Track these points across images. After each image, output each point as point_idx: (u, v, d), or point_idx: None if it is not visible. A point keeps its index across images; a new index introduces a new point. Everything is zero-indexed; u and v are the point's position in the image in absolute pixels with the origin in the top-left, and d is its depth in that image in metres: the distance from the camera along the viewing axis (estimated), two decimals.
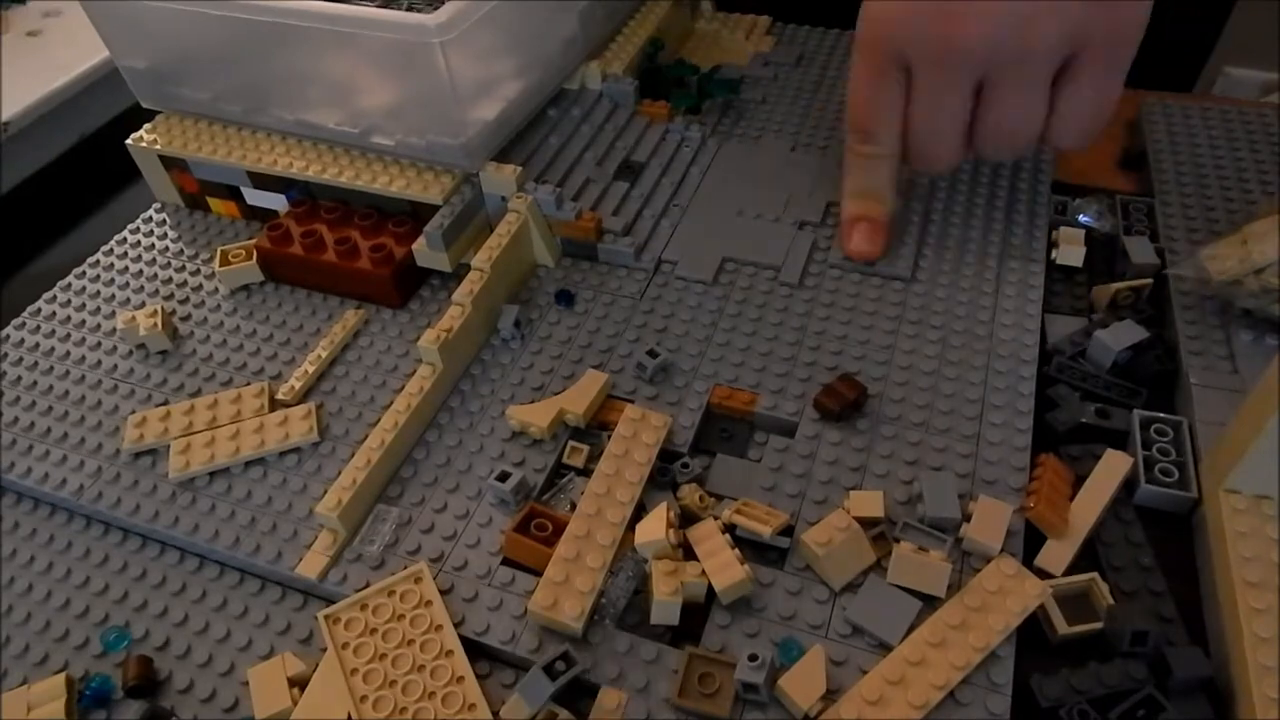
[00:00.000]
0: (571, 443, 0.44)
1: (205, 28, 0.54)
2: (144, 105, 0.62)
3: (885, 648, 0.36)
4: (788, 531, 0.40)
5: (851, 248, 0.53)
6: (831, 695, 0.35)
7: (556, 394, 0.46)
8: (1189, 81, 0.81)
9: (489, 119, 0.54)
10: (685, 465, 0.43)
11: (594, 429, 0.45)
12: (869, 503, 0.40)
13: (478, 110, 0.53)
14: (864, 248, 0.52)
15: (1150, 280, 0.51)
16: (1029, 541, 0.40)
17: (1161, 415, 0.44)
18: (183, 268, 0.57)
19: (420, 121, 0.53)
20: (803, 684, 0.35)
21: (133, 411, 0.48)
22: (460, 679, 0.36)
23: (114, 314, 0.55)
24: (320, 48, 0.51)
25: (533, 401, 0.47)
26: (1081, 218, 0.55)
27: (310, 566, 0.41)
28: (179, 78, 0.59)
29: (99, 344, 0.53)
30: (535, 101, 0.59)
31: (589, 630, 0.38)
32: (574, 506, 0.42)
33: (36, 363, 0.52)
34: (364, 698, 0.36)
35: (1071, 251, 0.53)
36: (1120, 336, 0.47)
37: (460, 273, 0.51)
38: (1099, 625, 0.37)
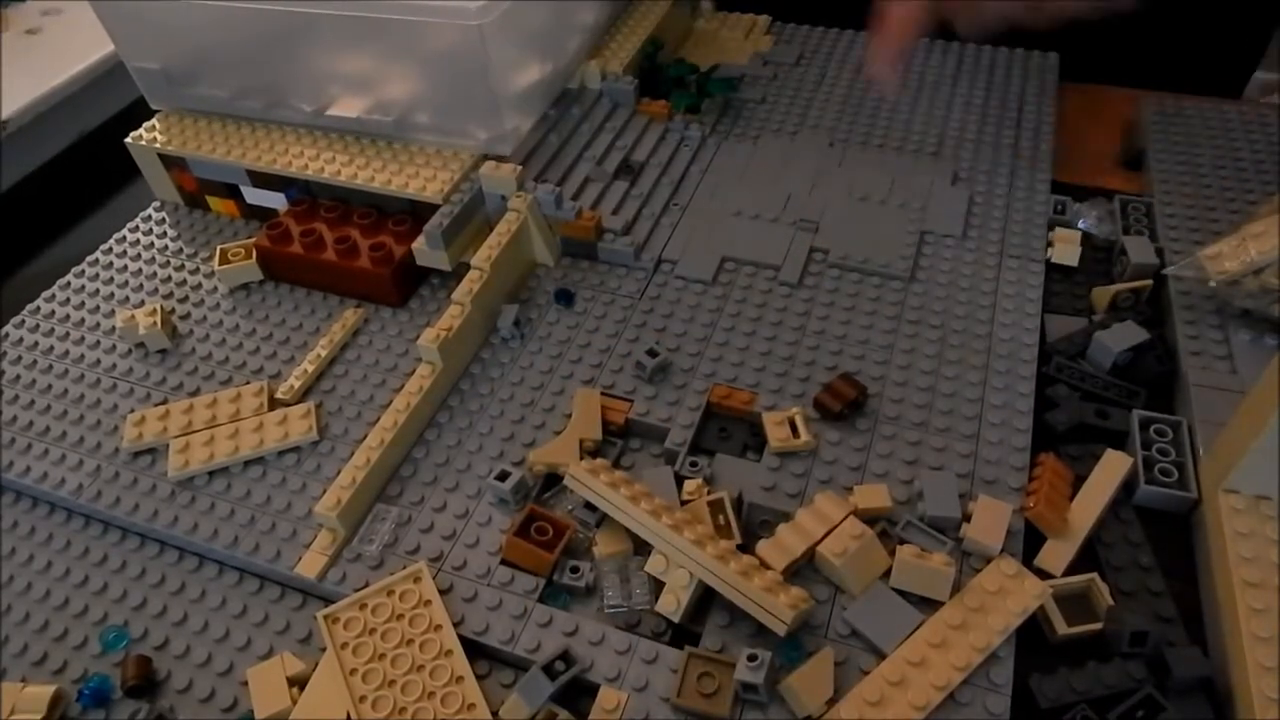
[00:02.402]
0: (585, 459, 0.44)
1: (232, 23, 0.54)
2: (154, 107, 0.62)
3: (880, 654, 0.36)
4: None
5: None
6: (831, 695, 0.35)
7: (548, 410, 0.46)
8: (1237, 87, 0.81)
9: (524, 101, 0.55)
10: (694, 464, 0.43)
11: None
12: (875, 495, 0.40)
13: (513, 92, 0.54)
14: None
15: (1150, 281, 0.51)
16: (1029, 541, 0.40)
17: (1161, 415, 0.44)
18: (182, 266, 0.57)
19: (457, 106, 0.54)
20: (812, 684, 0.35)
21: (132, 410, 0.48)
22: (459, 679, 0.36)
23: (113, 312, 0.54)
24: (356, 37, 0.52)
25: (531, 404, 0.47)
26: (1081, 223, 0.55)
27: (309, 566, 0.41)
28: (196, 77, 0.59)
29: (98, 343, 0.53)
30: (559, 86, 0.61)
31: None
32: (574, 509, 0.42)
33: (36, 361, 0.52)
34: (363, 697, 0.36)
35: (1066, 250, 0.53)
36: (1120, 338, 0.47)
37: (460, 272, 0.51)
38: (1099, 626, 0.37)
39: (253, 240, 0.56)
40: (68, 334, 0.53)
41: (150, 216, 0.62)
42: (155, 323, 0.52)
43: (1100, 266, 0.54)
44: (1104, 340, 0.47)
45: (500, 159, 0.55)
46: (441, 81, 0.53)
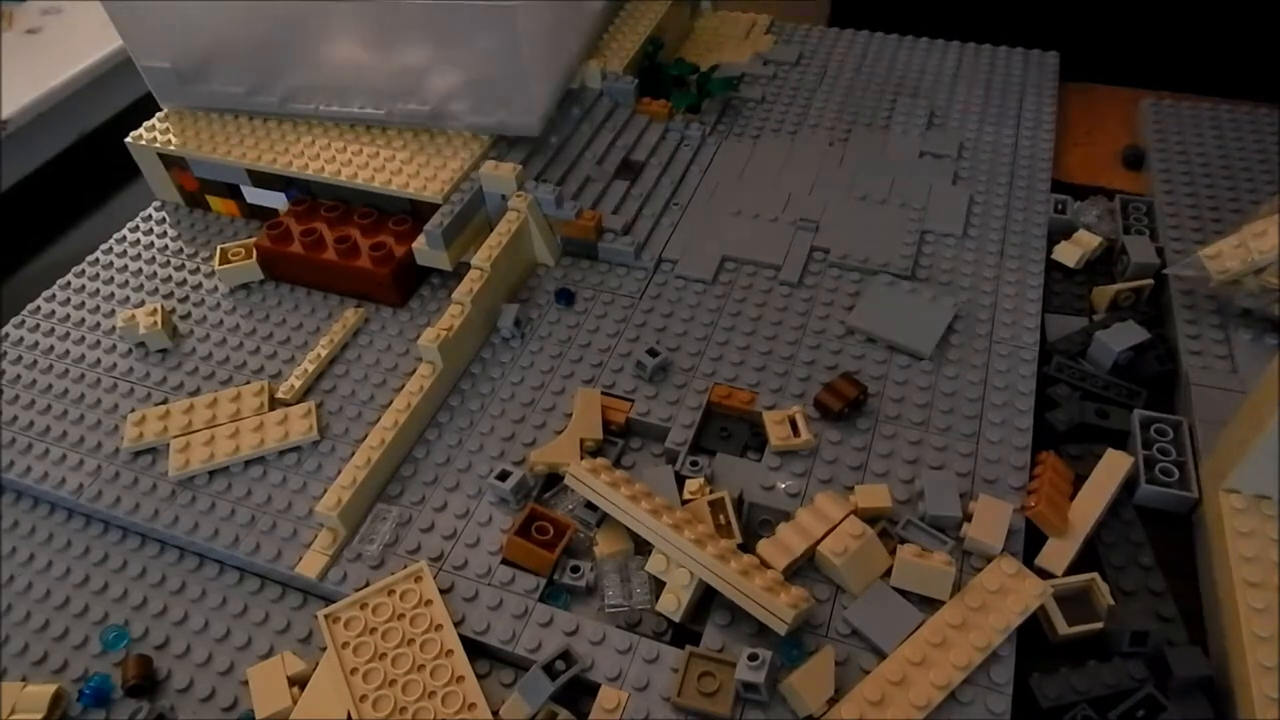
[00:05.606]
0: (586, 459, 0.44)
1: (249, 16, 0.54)
2: (164, 106, 0.61)
3: (881, 653, 0.36)
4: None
5: None
6: (832, 695, 0.35)
7: (549, 409, 0.46)
8: None
9: (548, 84, 0.56)
10: (695, 463, 0.43)
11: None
12: (876, 495, 0.40)
13: (541, 74, 0.55)
14: None
15: (1150, 281, 0.51)
16: (1029, 541, 0.40)
17: (1162, 415, 0.44)
18: (182, 266, 0.57)
19: (487, 88, 0.54)
20: (813, 683, 0.35)
21: (132, 410, 0.48)
22: (460, 678, 0.36)
23: (114, 312, 0.54)
24: (383, 24, 0.52)
25: (531, 403, 0.47)
26: (1081, 220, 0.56)
27: (310, 565, 0.41)
28: (209, 74, 0.59)
29: (99, 342, 0.53)
30: (574, 71, 0.62)
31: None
32: (574, 509, 0.42)
33: (36, 361, 0.52)
34: (364, 697, 0.36)
35: (1068, 251, 0.53)
36: (1121, 337, 0.47)
37: (460, 271, 0.51)
38: (1099, 625, 0.37)
39: (253, 240, 0.56)
40: (68, 334, 0.53)
41: (150, 216, 0.62)
42: (155, 322, 0.52)
43: (1101, 266, 0.54)
44: (1104, 340, 0.47)
45: (529, 140, 0.56)
46: (472, 65, 0.53)
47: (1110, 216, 0.56)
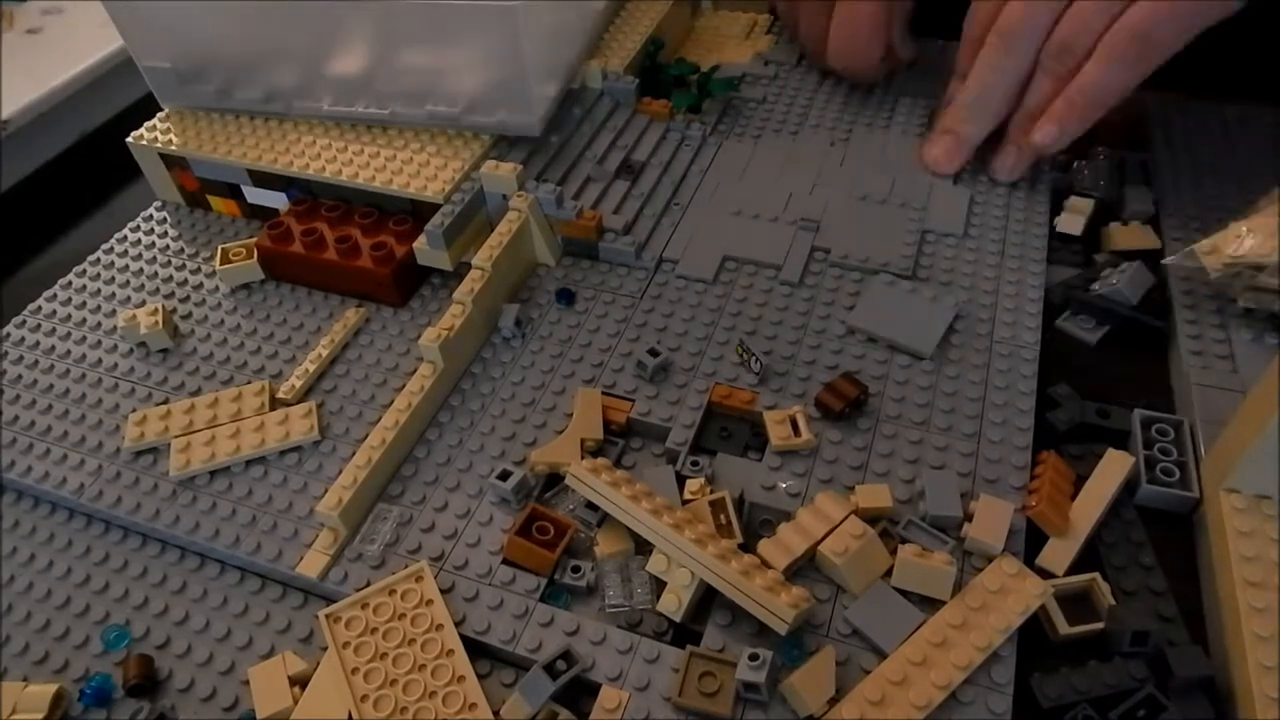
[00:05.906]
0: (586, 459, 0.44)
1: (251, 18, 0.54)
2: (164, 106, 0.62)
3: (881, 653, 0.36)
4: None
5: (927, 155, 0.57)
6: (833, 695, 0.35)
7: (549, 409, 0.46)
8: None
9: (549, 84, 0.57)
10: (695, 463, 0.43)
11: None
12: (876, 495, 0.40)
13: (542, 75, 0.56)
14: (941, 160, 0.57)
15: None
16: (1030, 540, 0.40)
17: (1162, 415, 0.44)
18: (183, 266, 0.57)
19: (489, 89, 0.54)
20: (813, 683, 0.35)
21: (133, 410, 0.48)
22: (461, 678, 0.36)
23: (114, 312, 0.54)
24: (387, 25, 0.53)
25: (532, 403, 0.47)
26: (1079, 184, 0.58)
27: (311, 565, 0.41)
28: (210, 75, 0.59)
29: (99, 342, 0.53)
30: (574, 71, 0.62)
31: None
32: (575, 509, 0.42)
33: (37, 361, 0.52)
34: (364, 697, 0.36)
35: (1073, 220, 0.54)
36: (1135, 282, 0.49)
37: (461, 271, 0.51)
38: (1100, 625, 0.37)
39: (254, 240, 0.56)
40: (69, 334, 0.54)
41: (151, 216, 0.62)
42: (156, 322, 0.52)
43: (1099, 220, 0.56)
44: (1121, 288, 0.49)
45: (529, 140, 0.56)
46: (472, 65, 0.53)
47: (1110, 178, 0.58)
